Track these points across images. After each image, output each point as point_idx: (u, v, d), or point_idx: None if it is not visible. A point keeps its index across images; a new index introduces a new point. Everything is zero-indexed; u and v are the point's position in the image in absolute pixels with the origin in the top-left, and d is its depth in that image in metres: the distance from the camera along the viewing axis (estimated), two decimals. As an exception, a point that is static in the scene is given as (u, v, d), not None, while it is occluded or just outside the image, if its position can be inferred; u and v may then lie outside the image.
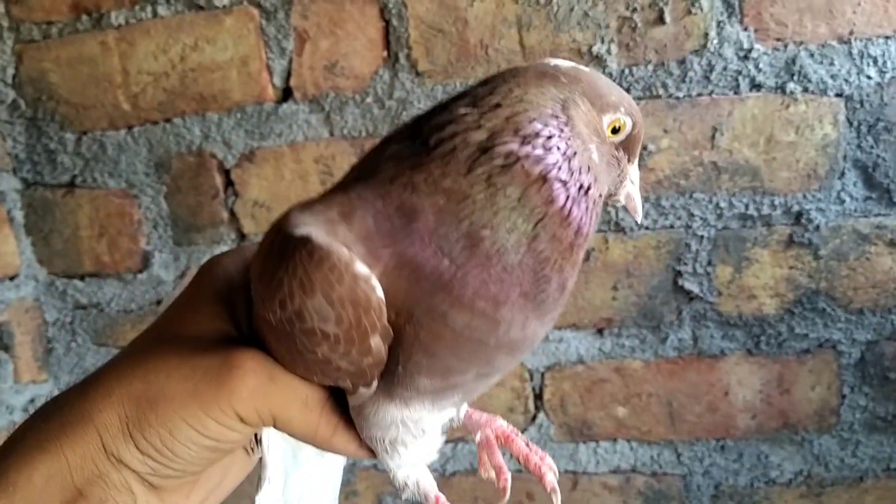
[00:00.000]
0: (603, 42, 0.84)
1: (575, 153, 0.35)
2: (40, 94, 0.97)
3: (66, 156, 0.99)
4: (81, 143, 0.98)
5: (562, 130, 0.35)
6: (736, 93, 0.83)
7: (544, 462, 0.47)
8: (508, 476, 0.46)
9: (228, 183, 0.97)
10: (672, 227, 0.87)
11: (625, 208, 0.42)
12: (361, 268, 0.34)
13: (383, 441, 0.42)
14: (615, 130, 0.38)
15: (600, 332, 0.92)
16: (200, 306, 0.42)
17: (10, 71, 0.98)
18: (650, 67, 0.84)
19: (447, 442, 0.97)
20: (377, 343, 0.35)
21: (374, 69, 0.90)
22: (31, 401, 1.00)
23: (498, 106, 0.35)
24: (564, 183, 0.35)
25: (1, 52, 0.97)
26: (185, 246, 0.99)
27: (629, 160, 0.40)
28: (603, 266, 0.90)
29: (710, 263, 0.87)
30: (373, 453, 0.43)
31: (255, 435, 0.46)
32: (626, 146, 0.39)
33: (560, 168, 0.35)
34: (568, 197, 0.35)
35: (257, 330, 0.39)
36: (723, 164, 0.85)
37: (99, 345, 1.04)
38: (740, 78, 0.83)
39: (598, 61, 0.84)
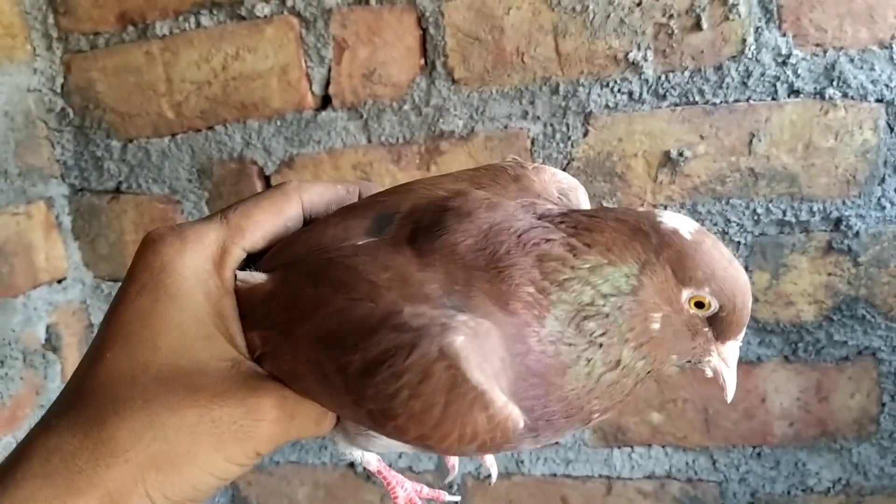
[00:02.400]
0: (639, 49, 0.85)
1: (624, 319, 0.36)
2: (88, 102, 1.02)
3: (112, 162, 1.03)
4: (127, 151, 1.02)
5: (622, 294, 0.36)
6: (774, 99, 0.84)
7: None
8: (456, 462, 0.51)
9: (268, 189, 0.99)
10: (708, 233, 0.88)
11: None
12: (520, 424, 0.35)
13: (356, 442, 0.44)
14: (699, 305, 0.38)
15: (636, 337, 0.93)
16: (185, 324, 0.38)
17: (59, 80, 1.02)
18: (687, 73, 0.85)
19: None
20: None
21: (411, 77, 0.93)
22: (78, 400, 1.04)
23: (588, 246, 0.36)
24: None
25: (50, 62, 1.01)
26: (225, 250, 1.02)
27: (719, 338, 0.39)
28: (639, 272, 0.91)
29: (747, 269, 0.87)
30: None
31: None
32: (715, 324, 0.38)
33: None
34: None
35: (306, 371, 0.38)
36: (760, 170, 0.85)
37: (142, 346, 1.08)
38: (778, 84, 0.83)
39: (634, 68, 0.85)
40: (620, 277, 0.36)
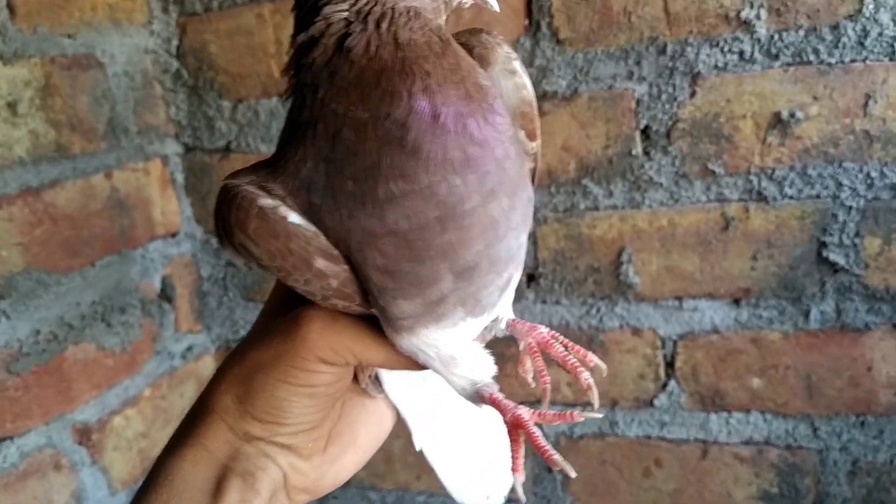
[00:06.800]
0: (752, 7, 0.85)
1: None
2: (201, 64, 1.08)
3: (223, 122, 1.09)
4: (237, 111, 1.08)
5: None
6: (892, 59, 0.83)
7: (587, 358, 0.50)
8: (548, 379, 0.49)
9: (371, 149, 1.04)
10: (818, 196, 0.88)
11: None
12: (266, 201, 0.39)
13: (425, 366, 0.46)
14: None
15: (737, 302, 0.94)
16: (273, 292, 0.50)
17: (175, 42, 1.08)
18: (801, 33, 0.85)
19: (574, 405, 1.02)
20: (326, 264, 0.40)
21: (515, 37, 0.95)
22: (189, 348, 1.12)
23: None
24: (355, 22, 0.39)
25: (166, 25, 1.08)
26: (329, 208, 1.07)
27: None
28: (742, 235, 0.92)
29: (857, 235, 0.87)
30: None
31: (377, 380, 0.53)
32: None
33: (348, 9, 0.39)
34: (367, 38, 0.38)
35: None
36: (875, 133, 0.85)
37: (248, 300, 1.15)
38: (897, 44, 0.82)
39: (746, 27, 0.86)
40: None
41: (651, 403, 1.01)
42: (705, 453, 1.00)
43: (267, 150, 1.08)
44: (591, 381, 0.47)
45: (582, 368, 0.48)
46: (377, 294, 0.41)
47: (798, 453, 0.97)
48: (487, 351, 0.47)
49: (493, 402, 0.46)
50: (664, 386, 1.00)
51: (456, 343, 0.45)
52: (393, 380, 0.52)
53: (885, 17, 0.82)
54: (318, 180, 0.39)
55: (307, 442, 0.47)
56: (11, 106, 0.86)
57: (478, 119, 0.38)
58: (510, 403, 0.46)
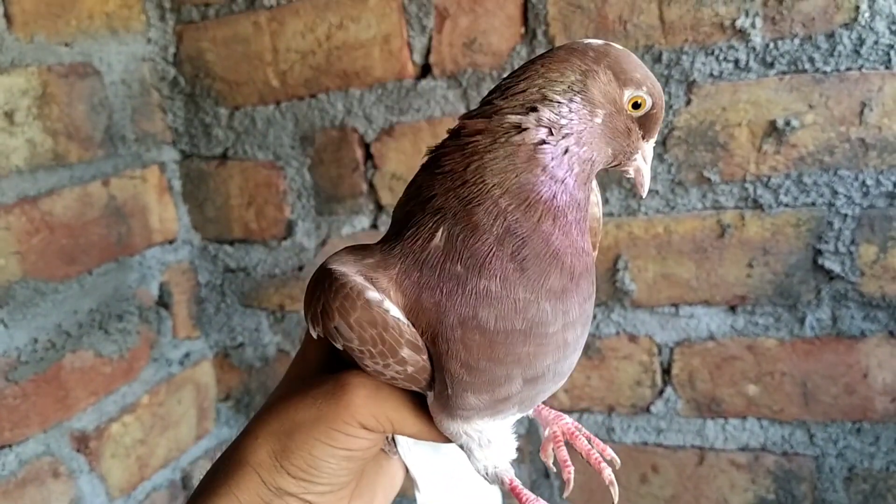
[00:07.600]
0: (748, 15, 0.85)
1: (572, 119, 0.41)
2: (198, 71, 1.08)
3: (219, 129, 1.09)
4: (234, 118, 1.08)
5: (571, 99, 0.41)
6: (887, 67, 0.83)
7: (605, 453, 0.53)
8: (572, 469, 0.51)
9: (368, 156, 1.04)
10: (814, 204, 0.88)
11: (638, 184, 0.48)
12: (373, 294, 0.42)
13: (458, 444, 0.49)
14: (636, 106, 0.43)
15: (733, 309, 0.94)
16: (307, 349, 0.52)
17: (172, 50, 1.08)
18: (797, 41, 0.85)
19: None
20: (409, 354, 0.43)
21: (511, 46, 0.95)
22: (187, 355, 1.12)
23: (522, 92, 0.42)
24: (551, 144, 0.41)
25: (163, 33, 1.08)
26: (326, 215, 1.08)
27: (644, 137, 0.45)
28: (738, 243, 0.92)
29: (853, 242, 0.87)
30: None
31: (393, 441, 0.55)
32: (644, 123, 0.45)
33: (551, 134, 0.41)
34: (552, 158, 0.41)
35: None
36: (871, 141, 0.85)
37: (245, 306, 1.15)
38: (892, 52, 0.83)
39: (741, 35, 0.86)
40: (568, 81, 0.42)
41: (648, 410, 1.01)
42: (702, 460, 1.00)
43: (264, 157, 1.08)
44: (612, 477, 0.51)
45: (605, 465, 0.51)
46: (449, 384, 0.43)
47: (794, 460, 0.97)
48: (515, 435, 0.51)
49: (514, 491, 0.49)
50: (661, 392, 1.00)
51: (497, 430, 0.48)
52: (408, 442, 0.55)
53: (880, 26, 0.82)
54: (431, 260, 0.41)
55: (334, 501, 0.49)
56: (8, 115, 0.86)
57: (580, 265, 0.42)
58: (530, 495, 0.49)
